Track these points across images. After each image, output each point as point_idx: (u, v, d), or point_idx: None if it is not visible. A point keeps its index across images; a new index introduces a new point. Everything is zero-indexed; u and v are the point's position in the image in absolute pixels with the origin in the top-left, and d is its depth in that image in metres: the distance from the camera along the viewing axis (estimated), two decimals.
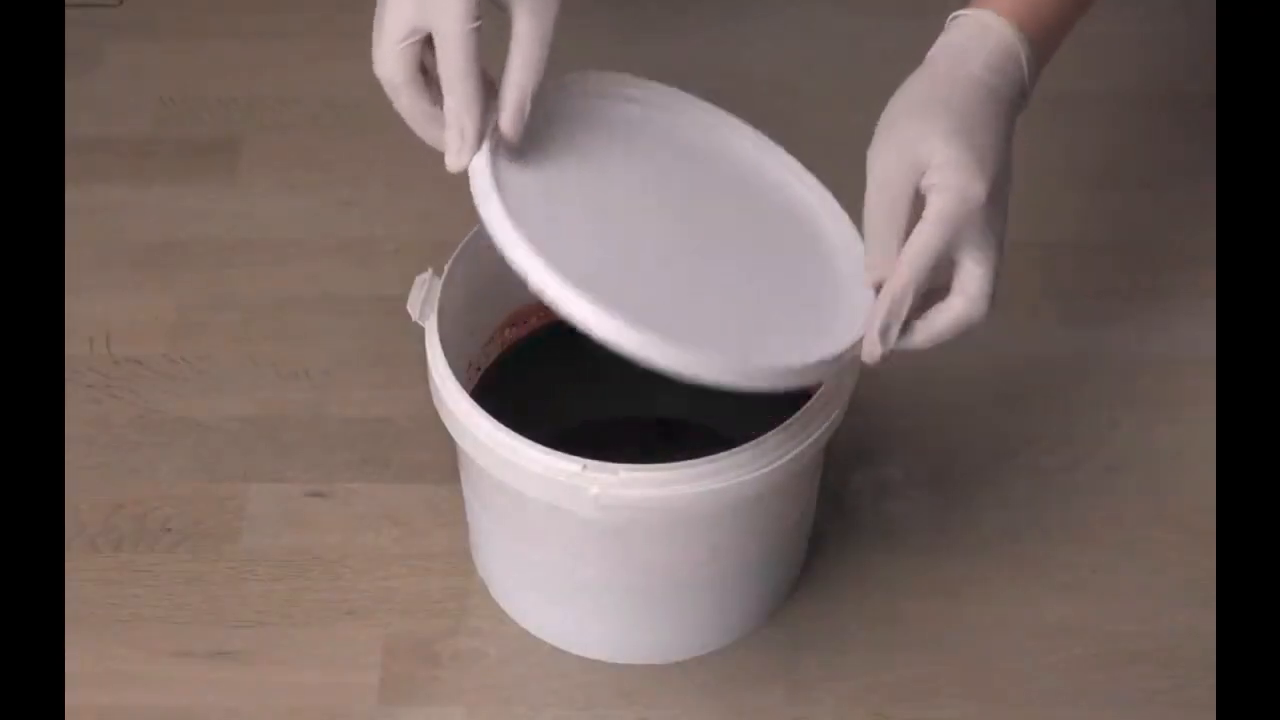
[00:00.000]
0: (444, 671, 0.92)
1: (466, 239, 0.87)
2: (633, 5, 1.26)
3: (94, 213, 1.12)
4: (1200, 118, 1.17)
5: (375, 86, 1.20)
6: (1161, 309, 1.08)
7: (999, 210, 0.77)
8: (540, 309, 0.97)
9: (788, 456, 0.80)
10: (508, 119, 0.77)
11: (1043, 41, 0.81)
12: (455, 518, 0.96)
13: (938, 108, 0.77)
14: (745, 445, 0.79)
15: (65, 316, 1.04)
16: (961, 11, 0.81)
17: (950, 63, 0.79)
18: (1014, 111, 0.79)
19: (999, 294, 0.77)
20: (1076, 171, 1.16)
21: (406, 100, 0.78)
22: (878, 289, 0.77)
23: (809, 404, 0.81)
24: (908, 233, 0.76)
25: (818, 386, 0.82)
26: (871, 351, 0.77)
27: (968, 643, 0.93)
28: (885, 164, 0.77)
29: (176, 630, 0.93)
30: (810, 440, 0.81)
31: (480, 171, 0.76)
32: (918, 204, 0.77)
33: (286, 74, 1.21)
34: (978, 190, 0.76)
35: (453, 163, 0.77)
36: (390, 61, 0.77)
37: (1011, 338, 1.06)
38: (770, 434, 0.79)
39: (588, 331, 0.73)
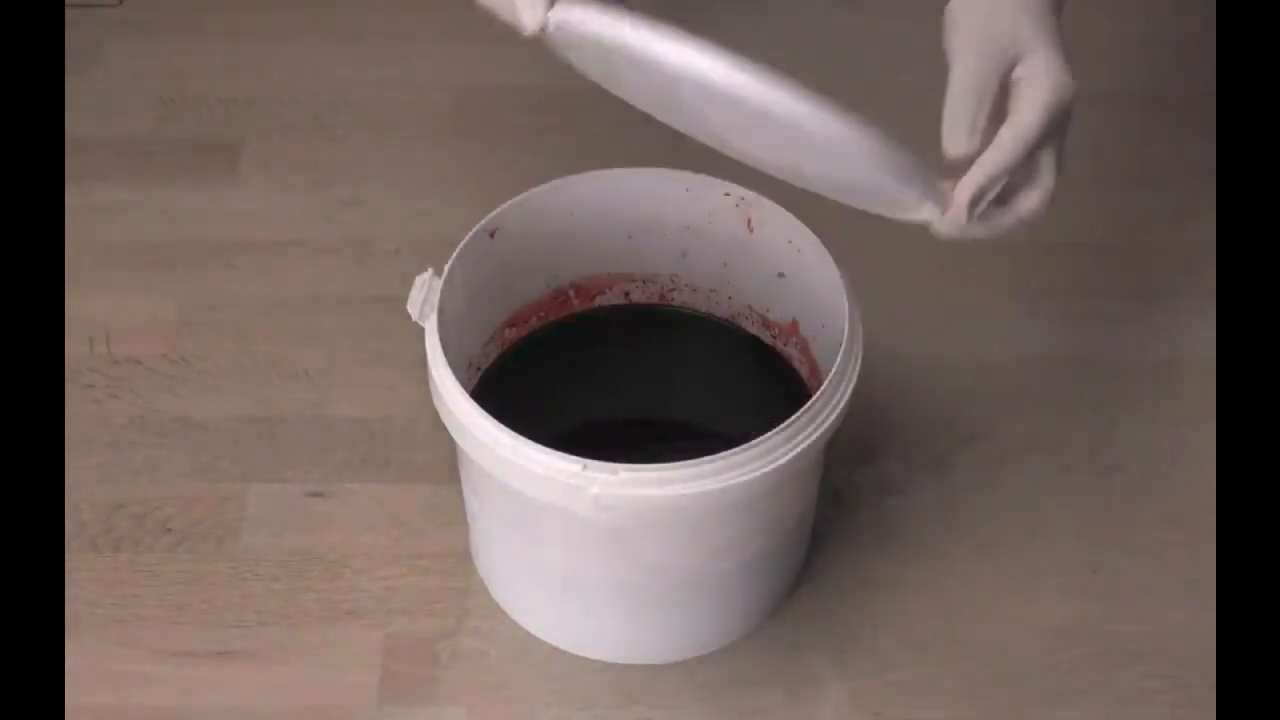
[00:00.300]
0: (444, 671, 0.92)
1: (467, 239, 0.87)
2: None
3: (94, 213, 1.12)
4: (1200, 118, 1.17)
5: (375, 86, 1.21)
6: (1161, 309, 1.08)
7: (1069, 115, 0.79)
8: (540, 309, 0.97)
9: (788, 456, 0.80)
10: None
11: None
12: (455, 518, 0.96)
13: (1015, 3, 0.78)
14: (746, 445, 0.79)
15: (65, 316, 1.04)
16: None
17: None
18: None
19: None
20: (1076, 171, 1.16)
21: None
22: (953, 167, 0.78)
23: (809, 404, 0.81)
24: (991, 116, 0.78)
25: (817, 387, 0.83)
26: (956, 219, 0.77)
27: (968, 642, 0.93)
28: (977, 47, 0.78)
29: (176, 630, 0.93)
30: (811, 440, 0.81)
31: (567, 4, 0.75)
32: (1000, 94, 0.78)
33: (287, 74, 1.21)
34: (1073, 89, 0.78)
35: (528, 20, 0.76)
36: None
37: (1011, 338, 1.06)
38: (771, 434, 0.79)
39: (710, 84, 0.74)
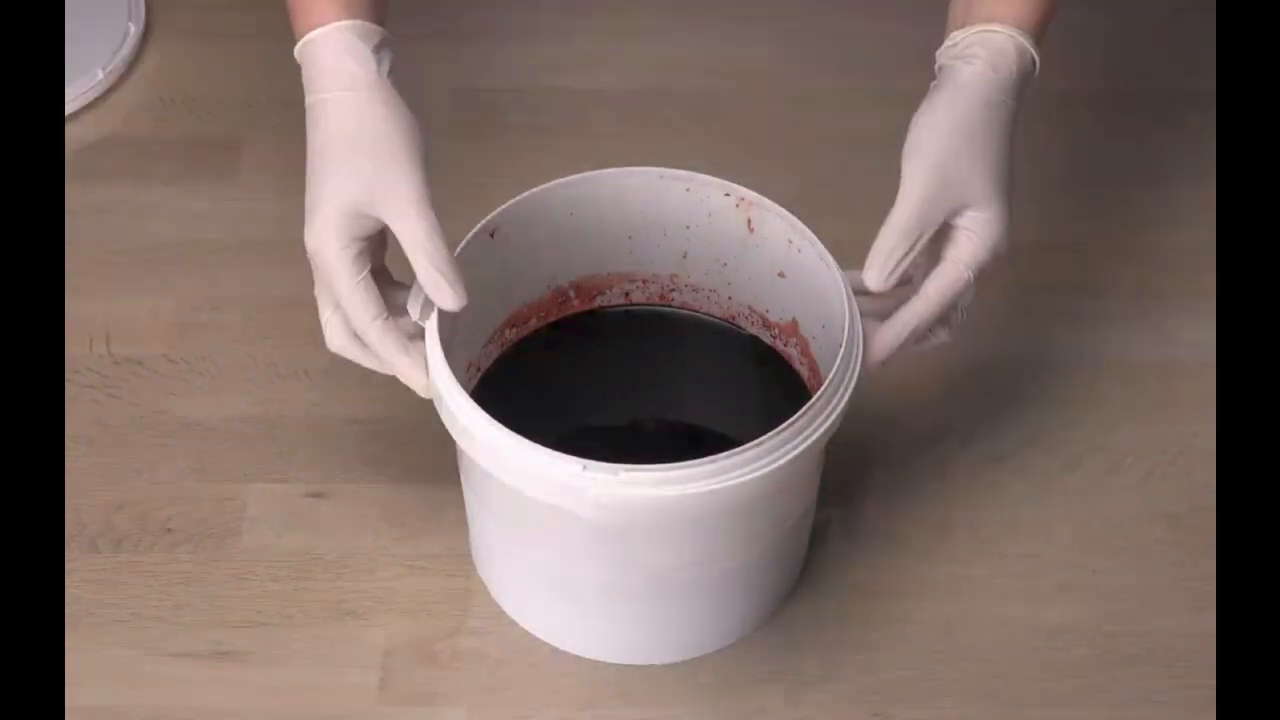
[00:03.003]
0: (444, 672, 0.92)
1: (466, 239, 0.87)
2: (633, 7, 1.26)
3: (95, 213, 1.12)
4: (1200, 118, 1.17)
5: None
6: (1162, 309, 1.08)
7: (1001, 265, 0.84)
8: (540, 309, 0.97)
9: (789, 456, 0.80)
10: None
11: (1042, 37, 0.83)
12: (455, 518, 0.96)
13: (977, 145, 0.81)
14: (747, 445, 0.79)
15: (66, 317, 1.04)
16: (973, 27, 0.83)
17: (974, 88, 0.83)
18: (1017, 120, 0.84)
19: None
20: (1076, 171, 1.16)
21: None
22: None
23: (810, 404, 0.81)
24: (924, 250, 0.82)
25: (817, 387, 0.83)
26: (871, 364, 0.83)
27: (968, 643, 0.93)
28: (926, 184, 0.81)
29: (177, 631, 0.93)
30: (810, 440, 0.81)
31: None
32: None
33: (288, 74, 1.21)
34: (1007, 247, 0.82)
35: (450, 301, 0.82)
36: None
37: (1011, 338, 1.06)
38: (771, 434, 0.79)
39: None
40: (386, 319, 0.83)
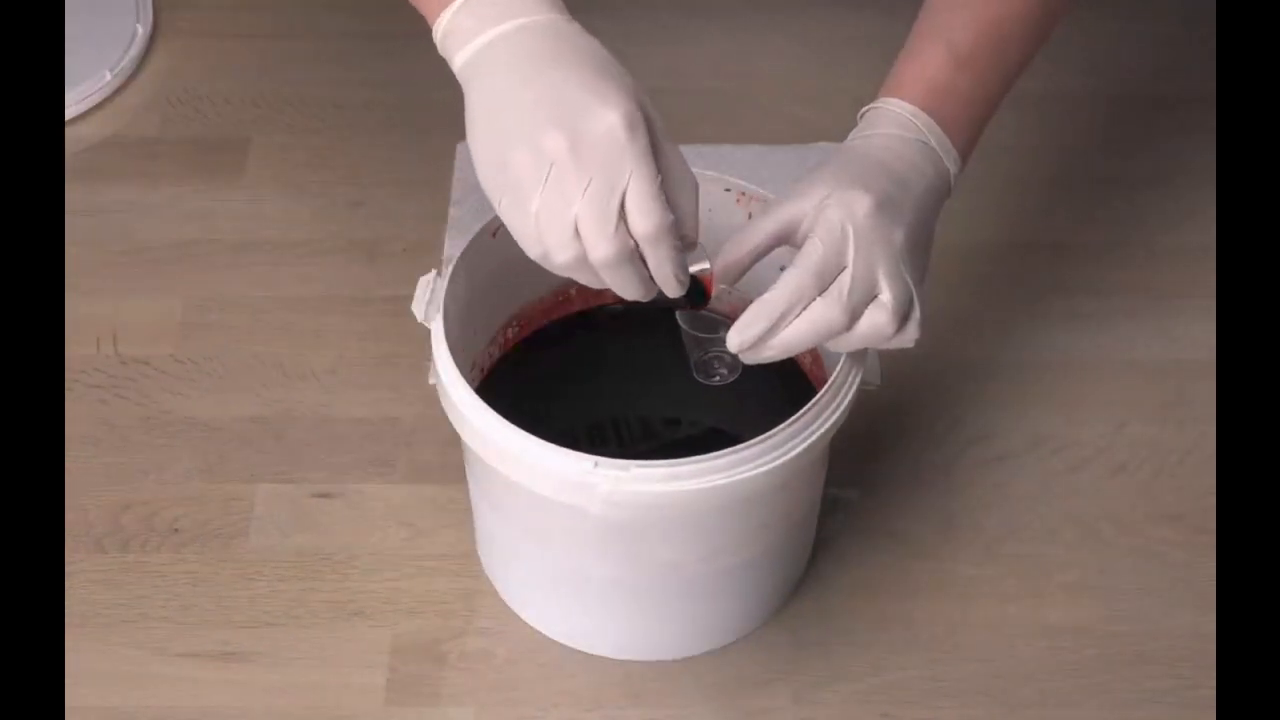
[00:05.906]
0: (451, 672, 0.92)
1: (470, 239, 0.88)
2: (639, 8, 1.26)
3: (101, 214, 1.12)
4: (1200, 118, 1.17)
5: (381, 87, 1.20)
6: (1169, 310, 1.08)
7: (912, 248, 0.79)
8: (541, 308, 0.97)
9: (795, 451, 0.80)
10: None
11: (958, 118, 0.82)
12: (462, 518, 0.97)
13: (858, 185, 0.78)
14: (755, 440, 0.79)
15: (73, 317, 1.05)
16: (871, 105, 0.83)
17: (862, 151, 0.81)
18: (930, 198, 0.81)
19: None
20: (1076, 171, 1.17)
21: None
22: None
23: (816, 398, 0.81)
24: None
25: (821, 381, 0.83)
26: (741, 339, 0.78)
27: (973, 643, 0.94)
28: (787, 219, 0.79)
29: (184, 631, 0.94)
30: (817, 435, 0.81)
31: None
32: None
33: (294, 74, 1.21)
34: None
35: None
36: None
37: (1018, 339, 1.06)
38: (779, 428, 0.80)
39: None
40: None
